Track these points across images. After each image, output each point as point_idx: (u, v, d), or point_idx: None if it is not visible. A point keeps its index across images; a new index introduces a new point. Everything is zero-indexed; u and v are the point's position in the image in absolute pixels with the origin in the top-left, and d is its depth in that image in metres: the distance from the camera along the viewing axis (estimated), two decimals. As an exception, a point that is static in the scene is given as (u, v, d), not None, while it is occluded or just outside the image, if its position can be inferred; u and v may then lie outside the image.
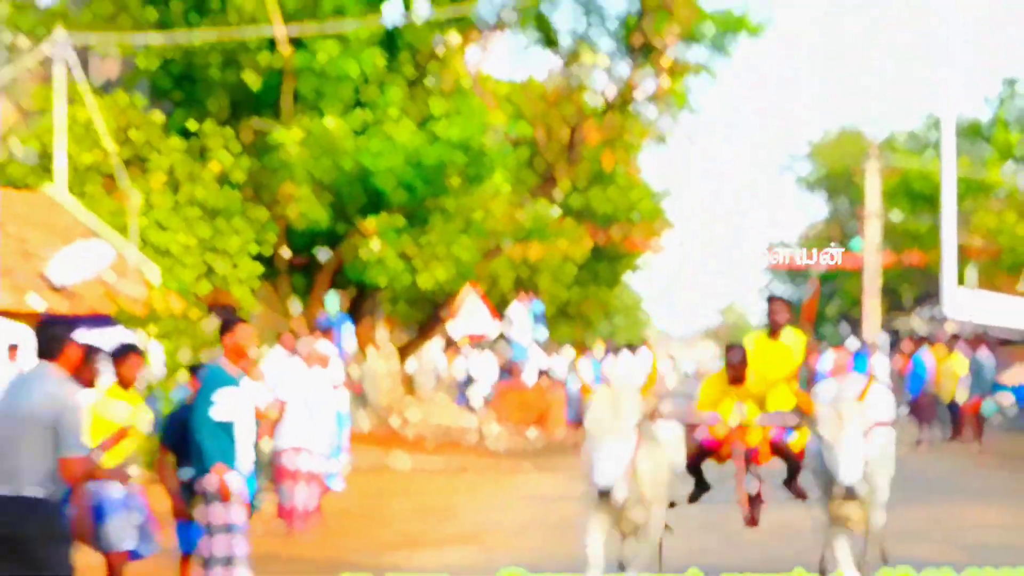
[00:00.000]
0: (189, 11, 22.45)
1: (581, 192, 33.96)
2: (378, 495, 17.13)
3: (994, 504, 15.47)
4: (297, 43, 22.25)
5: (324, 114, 22.29)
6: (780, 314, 10.57)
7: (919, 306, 39.46)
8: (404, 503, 16.48)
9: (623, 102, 28.43)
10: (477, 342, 29.39)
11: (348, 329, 23.00)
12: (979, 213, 34.78)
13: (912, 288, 41.93)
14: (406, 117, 22.99)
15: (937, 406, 24.66)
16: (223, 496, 8.83)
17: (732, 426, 9.84)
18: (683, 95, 28.63)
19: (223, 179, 21.31)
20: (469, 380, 28.07)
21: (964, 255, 34.14)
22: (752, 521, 10.12)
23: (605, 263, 38.62)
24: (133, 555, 9.40)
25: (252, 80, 22.32)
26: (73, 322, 8.23)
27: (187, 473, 9.25)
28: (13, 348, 12.60)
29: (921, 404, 24.65)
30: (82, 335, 7.97)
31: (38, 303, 14.92)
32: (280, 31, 22.03)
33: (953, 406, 24.26)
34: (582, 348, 30.37)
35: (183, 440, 9.13)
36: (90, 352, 8.48)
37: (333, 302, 23.04)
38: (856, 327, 37.97)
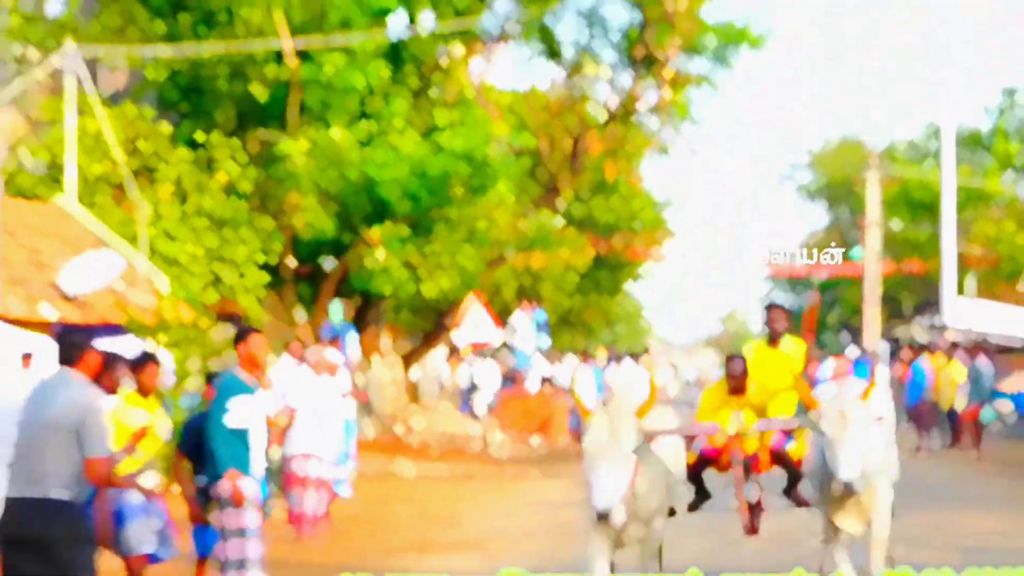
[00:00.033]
0: (197, 24, 22.59)
1: (583, 202, 34.10)
2: (384, 501, 17.25)
3: (993, 511, 15.53)
4: (303, 55, 22.41)
5: (330, 125, 22.43)
6: (779, 322, 10.56)
7: (919, 314, 39.56)
8: (410, 509, 16.61)
9: (625, 113, 28.58)
10: (480, 350, 29.52)
11: (352, 338, 23.14)
12: (979, 222, 34.87)
13: (912, 296, 42.03)
14: (411, 128, 23.12)
15: (936, 414, 24.82)
16: (236, 501, 9.03)
17: (730, 434, 9.78)
18: (685, 106, 28.74)
19: (230, 189, 21.41)
20: (473, 388, 28.20)
21: (964, 264, 34.24)
22: (752, 530, 10.08)
23: (607, 272, 38.76)
24: (152, 559, 9.57)
25: (259, 92, 22.47)
26: (91, 330, 8.43)
27: (203, 479, 9.45)
28: (27, 357, 12.75)
29: (920, 412, 24.79)
30: (102, 343, 8.17)
31: (50, 312, 15.08)
32: (287, 44, 22.19)
33: (952, 413, 24.39)
34: (585, 356, 30.50)
35: (199, 447, 9.32)
36: (111, 359, 8.66)
37: (337, 311, 23.17)
38: (856, 335, 38.10)
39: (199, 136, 21.75)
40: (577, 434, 24.52)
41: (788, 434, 10.07)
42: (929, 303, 37.54)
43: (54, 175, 20.01)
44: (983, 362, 23.80)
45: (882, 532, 9.40)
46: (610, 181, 33.32)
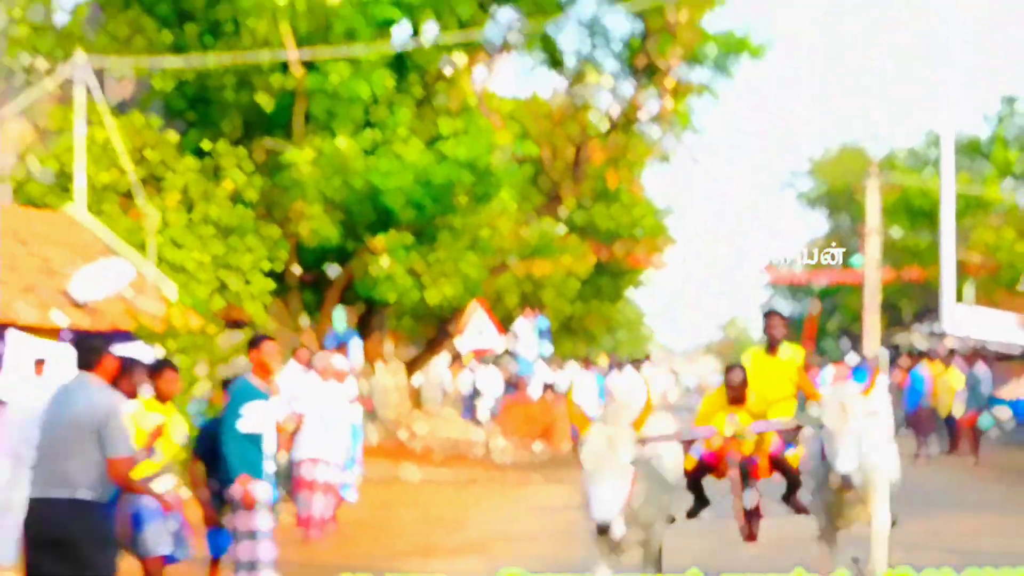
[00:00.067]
0: (203, 34, 22.70)
1: (585, 210, 34.23)
2: (389, 506, 17.39)
3: (991, 516, 15.65)
4: (309, 65, 22.51)
5: (335, 134, 22.50)
6: (777, 329, 10.59)
7: (918, 321, 39.70)
8: (414, 513, 16.76)
9: (627, 122, 28.71)
10: (483, 357, 29.68)
11: (356, 344, 23.29)
12: (978, 230, 35.05)
13: (912, 304, 42.17)
14: (415, 137, 23.18)
15: (935, 420, 24.98)
16: (247, 504, 9.25)
17: (727, 436, 9.76)
18: (686, 115, 28.84)
19: (236, 198, 21.45)
20: (475, 394, 28.35)
21: (963, 271, 34.46)
22: (750, 536, 10.05)
23: (608, 279, 38.92)
24: (168, 559, 9.70)
25: (265, 101, 22.57)
26: (108, 336, 8.63)
27: (216, 483, 9.66)
28: (40, 363, 12.92)
29: (919, 418, 24.93)
30: (120, 349, 8.36)
31: (61, 319, 15.23)
32: (292, 54, 22.32)
33: (950, 420, 24.54)
34: (586, 363, 30.68)
35: (213, 451, 9.54)
36: (129, 364, 8.85)
37: (340, 318, 23.29)
38: (856, 342, 38.29)
39: (206, 145, 21.79)
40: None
41: (788, 441, 10.11)
42: (928, 310, 37.73)
43: (63, 184, 20.11)
44: (981, 369, 23.96)
45: (882, 530, 9.45)
46: (612, 189, 33.46)
